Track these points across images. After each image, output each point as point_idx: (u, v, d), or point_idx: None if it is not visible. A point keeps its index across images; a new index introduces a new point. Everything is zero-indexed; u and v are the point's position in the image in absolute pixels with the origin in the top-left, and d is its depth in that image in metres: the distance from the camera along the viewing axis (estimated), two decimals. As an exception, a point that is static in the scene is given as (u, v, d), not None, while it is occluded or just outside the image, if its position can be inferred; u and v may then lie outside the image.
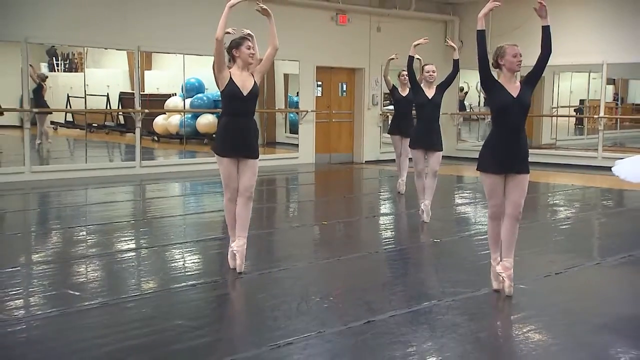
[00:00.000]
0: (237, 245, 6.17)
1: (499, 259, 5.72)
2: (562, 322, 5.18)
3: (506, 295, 5.58)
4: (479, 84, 7.12)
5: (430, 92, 8.73)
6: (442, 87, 8.76)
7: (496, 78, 5.73)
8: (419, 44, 9.10)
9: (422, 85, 8.83)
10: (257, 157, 6.23)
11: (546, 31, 5.87)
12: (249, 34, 6.46)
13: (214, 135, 6.84)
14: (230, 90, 6.05)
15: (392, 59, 10.64)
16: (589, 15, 15.98)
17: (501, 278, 5.63)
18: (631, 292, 6.23)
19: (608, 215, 10.47)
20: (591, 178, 13.73)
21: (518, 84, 5.72)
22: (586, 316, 5.34)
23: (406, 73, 11.01)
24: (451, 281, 6.17)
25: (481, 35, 5.76)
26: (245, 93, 6.07)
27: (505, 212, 5.60)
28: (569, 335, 4.89)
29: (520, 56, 5.71)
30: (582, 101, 20.49)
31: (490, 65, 5.71)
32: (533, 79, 5.76)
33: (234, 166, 6.14)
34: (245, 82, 6.11)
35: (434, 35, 18.03)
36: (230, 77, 6.05)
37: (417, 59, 9.75)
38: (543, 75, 16.97)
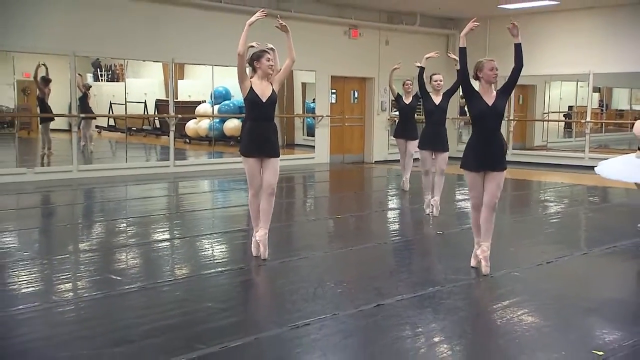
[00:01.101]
0: (260, 235, 6.21)
1: (480, 242, 5.89)
2: (553, 306, 5.16)
3: (483, 274, 5.77)
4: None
5: (437, 99, 8.75)
6: (447, 94, 8.75)
7: (475, 88, 5.86)
8: (430, 57, 9.08)
9: (430, 92, 8.84)
10: (278, 156, 6.25)
11: (518, 48, 5.97)
12: (271, 47, 6.48)
13: (239, 138, 6.85)
14: (251, 98, 6.10)
15: (396, 68, 10.62)
16: (577, 30, 15.89)
17: (479, 258, 5.85)
18: (615, 280, 6.19)
19: (594, 210, 10.40)
20: (579, 177, 13.64)
21: (494, 93, 5.85)
22: (574, 301, 5.32)
23: (410, 82, 11.05)
24: (453, 269, 6.15)
25: (462, 52, 5.96)
26: (264, 100, 6.11)
27: (483, 202, 5.80)
28: (559, 317, 4.86)
29: (496, 70, 5.83)
30: (570, 107, 20.43)
31: (471, 77, 5.81)
32: (508, 89, 5.91)
33: (257, 165, 6.17)
34: (264, 90, 6.13)
35: (437, 47, 17.92)
36: (251, 86, 6.09)
37: (418, 66, 9.75)
38: (535, 84, 17.01)
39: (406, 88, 11.00)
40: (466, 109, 5.83)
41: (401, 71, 10.72)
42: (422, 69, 8.87)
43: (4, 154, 14.06)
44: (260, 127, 6.18)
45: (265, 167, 6.17)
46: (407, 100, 10.74)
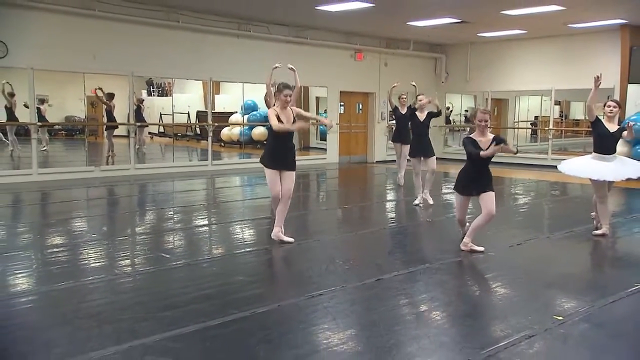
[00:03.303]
0: (273, 233, 6.24)
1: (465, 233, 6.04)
2: (521, 280, 5.15)
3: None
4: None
5: (422, 116, 8.86)
6: (430, 116, 8.89)
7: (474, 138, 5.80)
8: (395, 87, 10.28)
9: (416, 111, 8.91)
10: (294, 170, 6.23)
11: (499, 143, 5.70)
12: (291, 68, 6.53)
13: (264, 142, 6.87)
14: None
15: (395, 86, 10.62)
16: (541, 54, 15.82)
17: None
18: (572, 258, 6.16)
19: (555, 201, 10.34)
20: (543, 174, 13.55)
21: (490, 137, 5.80)
22: (539, 275, 5.30)
23: (405, 96, 11.07)
24: (440, 250, 6.15)
25: (473, 153, 5.68)
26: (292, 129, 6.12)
27: (483, 212, 5.78)
28: (527, 289, 4.85)
29: (486, 121, 5.75)
30: (536, 117, 20.33)
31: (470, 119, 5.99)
32: (503, 142, 5.80)
33: (277, 175, 6.14)
34: (289, 118, 6.04)
35: (427, 68, 17.97)
36: (277, 114, 5.97)
37: (413, 85, 9.91)
38: (507, 98, 16.83)
39: (402, 101, 10.98)
40: (464, 149, 5.77)
41: (399, 87, 10.72)
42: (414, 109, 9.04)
43: (76, 155, 14.21)
44: (282, 147, 6.14)
45: (284, 177, 6.16)
46: (403, 111, 10.71)
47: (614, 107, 6.59)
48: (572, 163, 6.91)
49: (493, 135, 5.80)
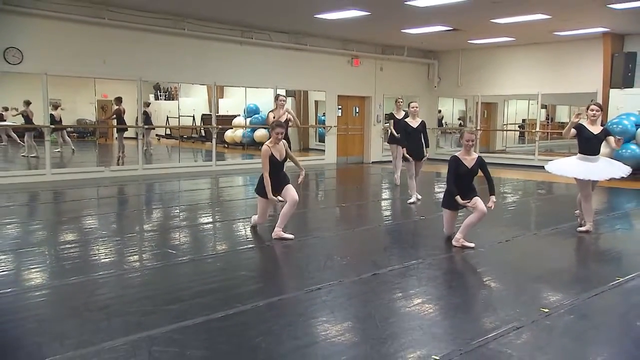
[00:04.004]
0: (275, 233, 6.23)
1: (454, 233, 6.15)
2: (510, 275, 5.16)
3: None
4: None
5: (415, 123, 8.90)
6: (422, 125, 8.96)
7: (459, 158, 5.97)
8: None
9: (408, 118, 8.97)
10: (290, 183, 6.45)
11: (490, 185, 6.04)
12: (283, 97, 7.08)
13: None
14: (272, 160, 6.22)
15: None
16: (529, 60, 15.84)
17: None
18: (557, 254, 6.17)
19: (541, 200, 10.35)
20: (530, 174, 13.56)
21: (475, 156, 6.00)
22: (526, 270, 5.31)
23: (401, 100, 11.07)
24: (432, 246, 6.16)
25: (451, 188, 6.00)
26: (280, 160, 6.30)
27: (474, 212, 5.91)
28: (514, 283, 4.86)
29: (472, 141, 5.96)
30: (523, 120, 20.37)
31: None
32: (484, 168, 6.01)
33: (269, 205, 6.48)
34: (281, 152, 6.31)
35: (421, 73, 17.98)
36: (272, 152, 6.21)
37: (400, 99, 10.32)
38: (497, 102, 16.90)
39: (398, 105, 10.99)
40: (448, 168, 5.98)
41: (393, 91, 10.75)
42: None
43: (88, 156, 14.18)
44: (277, 176, 6.30)
45: (286, 190, 6.31)
46: (399, 115, 10.72)
47: (597, 110, 6.62)
48: (558, 164, 6.95)
49: (477, 155, 6.04)
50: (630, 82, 13.60)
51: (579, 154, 6.67)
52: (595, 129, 6.57)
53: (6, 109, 15.22)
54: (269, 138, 6.35)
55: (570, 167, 6.71)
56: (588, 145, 6.58)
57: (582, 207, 6.88)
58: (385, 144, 16.01)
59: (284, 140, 6.36)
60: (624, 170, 6.71)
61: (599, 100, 13.68)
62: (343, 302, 4.28)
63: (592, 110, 6.60)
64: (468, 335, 3.59)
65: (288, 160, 6.47)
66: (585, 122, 6.63)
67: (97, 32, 11.38)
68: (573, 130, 6.60)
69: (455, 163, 5.91)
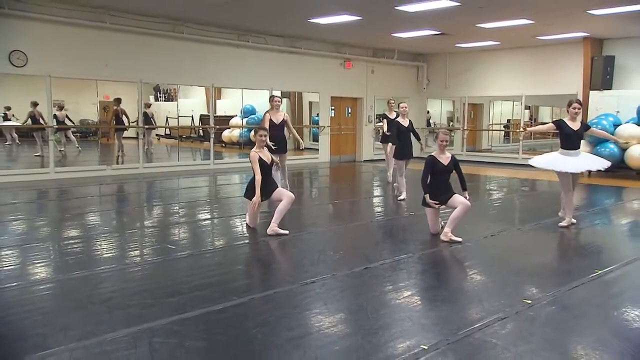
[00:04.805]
0: (270, 228, 6.23)
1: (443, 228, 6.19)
2: (495, 268, 5.18)
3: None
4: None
5: (405, 122, 8.94)
6: (411, 124, 9.11)
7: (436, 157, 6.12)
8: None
9: (399, 118, 9.01)
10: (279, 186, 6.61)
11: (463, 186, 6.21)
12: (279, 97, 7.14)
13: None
14: (261, 163, 6.24)
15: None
16: (513, 63, 15.90)
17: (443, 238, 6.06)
18: (539, 248, 6.21)
19: (525, 196, 10.39)
20: (514, 172, 13.62)
21: (449, 155, 6.17)
22: (510, 263, 5.34)
23: (393, 101, 11.09)
24: (421, 241, 6.17)
25: (424, 186, 6.13)
26: (269, 162, 6.34)
27: (458, 208, 5.98)
28: (499, 276, 4.89)
29: (446, 141, 6.11)
30: (508, 120, 20.39)
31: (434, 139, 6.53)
32: (456, 169, 6.17)
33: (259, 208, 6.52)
34: (267, 156, 6.38)
35: (411, 75, 17.99)
36: (260, 156, 6.24)
37: (392, 100, 10.36)
38: (482, 103, 16.95)
39: (390, 106, 11.00)
40: (424, 167, 6.10)
41: (384, 93, 10.76)
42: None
43: (90, 155, 14.09)
44: (266, 181, 6.30)
45: (278, 192, 6.34)
46: (391, 115, 10.73)
47: (579, 108, 6.71)
48: (541, 158, 7.09)
49: (451, 155, 6.17)
50: (609, 84, 13.67)
51: (560, 149, 6.78)
52: (575, 125, 6.70)
53: (8, 109, 15.08)
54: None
55: (552, 160, 6.84)
56: (569, 140, 6.71)
57: (563, 201, 6.94)
58: (377, 143, 16.07)
59: (267, 150, 6.43)
60: (602, 163, 6.86)
61: (580, 102, 13.82)
62: (336, 295, 4.29)
63: (575, 108, 6.68)
64: (455, 326, 3.61)
65: (276, 168, 6.49)
66: (566, 119, 6.72)
67: (99, 36, 11.32)
68: (552, 125, 6.83)
69: (432, 161, 6.04)
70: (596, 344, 3.40)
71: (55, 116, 12.17)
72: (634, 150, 12.06)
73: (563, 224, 6.87)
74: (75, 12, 10.91)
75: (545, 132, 6.97)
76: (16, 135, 15.10)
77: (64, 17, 10.81)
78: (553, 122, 6.88)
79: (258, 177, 6.15)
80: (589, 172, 11.31)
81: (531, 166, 7.06)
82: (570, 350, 3.32)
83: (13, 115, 14.28)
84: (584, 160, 6.78)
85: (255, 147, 6.35)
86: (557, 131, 6.80)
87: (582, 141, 6.92)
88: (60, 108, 13.81)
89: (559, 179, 6.87)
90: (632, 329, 3.67)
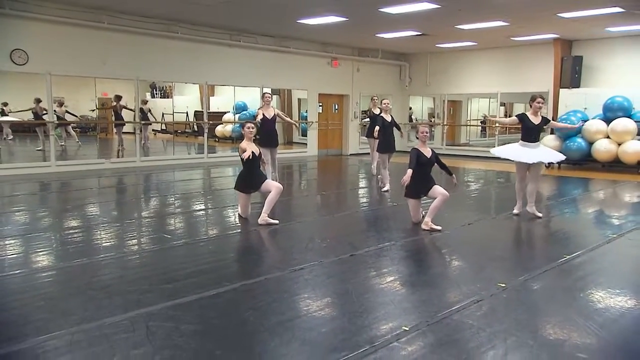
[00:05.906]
0: (261, 218, 6.20)
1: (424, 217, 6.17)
2: (471, 254, 5.22)
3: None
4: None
5: (388, 117, 8.90)
6: (393, 119, 9.13)
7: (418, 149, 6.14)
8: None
9: (382, 113, 9.01)
10: (267, 178, 6.52)
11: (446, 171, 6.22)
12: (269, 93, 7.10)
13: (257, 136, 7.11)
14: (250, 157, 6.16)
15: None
16: (489, 63, 15.97)
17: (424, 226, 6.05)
18: (513, 235, 6.27)
19: (500, 187, 10.47)
20: (490, 164, 13.71)
21: (429, 149, 6.19)
22: (486, 250, 5.39)
23: (376, 98, 11.08)
24: (403, 230, 6.19)
25: (412, 167, 5.99)
26: (257, 154, 6.24)
27: (437, 197, 6.00)
28: (476, 261, 4.92)
29: (426, 134, 6.15)
30: (485, 116, 20.49)
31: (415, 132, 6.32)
32: (438, 163, 6.21)
33: (248, 199, 6.49)
34: (254, 148, 6.25)
35: (394, 74, 17.98)
36: (247, 148, 6.14)
37: (375, 97, 10.28)
38: (461, 100, 17.01)
39: (374, 102, 10.98)
40: (412, 158, 6.05)
41: (368, 90, 10.75)
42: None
43: (89, 149, 13.95)
44: (252, 174, 6.28)
45: (267, 184, 6.29)
46: (376, 111, 10.72)
47: (542, 103, 6.84)
48: (502, 148, 7.21)
49: (431, 149, 6.19)
50: (577, 82, 13.81)
51: (520, 141, 6.87)
52: (536, 120, 6.80)
53: (5, 104, 14.81)
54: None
55: (511, 151, 6.93)
56: (529, 133, 6.79)
57: (526, 190, 6.97)
58: (362, 138, 16.08)
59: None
60: (556, 157, 6.99)
61: (550, 99, 13.95)
62: (323, 280, 4.29)
63: (538, 102, 6.76)
64: (434, 308, 3.64)
65: (264, 166, 6.49)
66: (529, 113, 6.80)
67: (97, 35, 11.17)
68: (515, 119, 6.90)
69: (416, 153, 6.06)
70: (564, 323, 3.45)
71: (55, 112, 12.00)
72: (600, 144, 12.21)
73: (515, 211, 6.99)
74: (75, 13, 10.74)
75: (509, 125, 7.03)
76: (9, 130, 14.82)
77: (64, 17, 10.64)
78: (516, 115, 6.93)
79: (243, 152, 6.11)
80: (559, 165, 11.42)
81: (496, 157, 7.08)
82: (540, 329, 3.37)
83: (11, 111, 14.03)
84: (540, 153, 6.81)
85: (244, 140, 6.32)
86: (519, 125, 6.89)
87: (553, 136, 6.99)
88: (60, 104, 13.63)
89: (516, 166, 6.97)
90: (596, 309, 3.73)
